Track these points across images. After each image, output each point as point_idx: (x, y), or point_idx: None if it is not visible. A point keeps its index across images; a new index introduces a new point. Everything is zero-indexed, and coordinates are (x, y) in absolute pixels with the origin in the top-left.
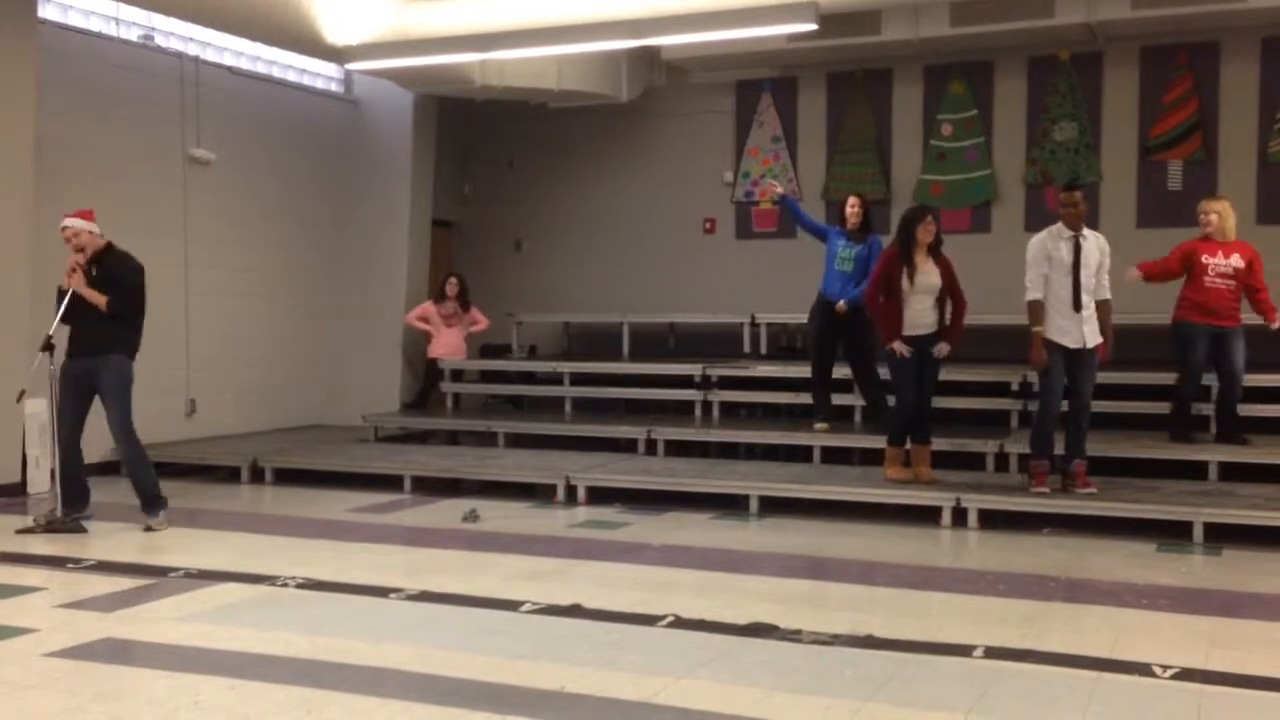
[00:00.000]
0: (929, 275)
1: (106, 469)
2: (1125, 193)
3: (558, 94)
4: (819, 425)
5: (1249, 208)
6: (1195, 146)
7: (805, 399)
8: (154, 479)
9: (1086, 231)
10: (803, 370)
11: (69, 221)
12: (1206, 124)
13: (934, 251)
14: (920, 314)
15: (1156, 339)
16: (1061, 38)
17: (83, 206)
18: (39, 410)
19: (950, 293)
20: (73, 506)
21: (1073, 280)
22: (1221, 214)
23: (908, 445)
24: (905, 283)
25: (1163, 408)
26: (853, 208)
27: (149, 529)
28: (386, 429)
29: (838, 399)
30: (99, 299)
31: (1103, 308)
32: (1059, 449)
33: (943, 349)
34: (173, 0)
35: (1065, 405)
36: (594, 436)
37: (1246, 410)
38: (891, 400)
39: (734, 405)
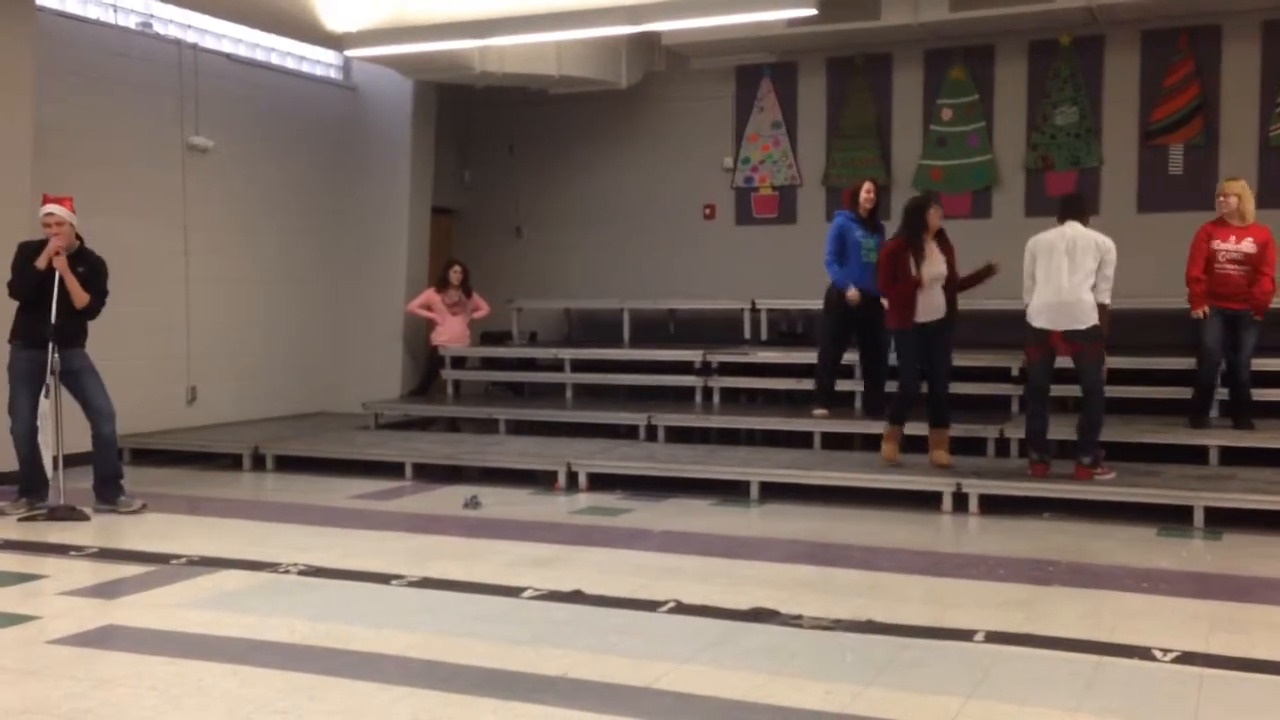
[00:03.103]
0: (937, 264)
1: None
2: (1126, 177)
3: (557, 80)
4: (819, 411)
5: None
6: (1196, 130)
7: (806, 385)
8: None
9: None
10: (804, 356)
11: (55, 210)
12: (1208, 108)
13: (939, 238)
14: (930, 299)
15: (1158, 324)
16: (1062, 21)
17: (83, 194)
18: (40, 401)
19: (950, 274)
20: (35, 494)
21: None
22: (1241, 196)
23: (906, 429)
24: (914, 270)
25: (1163, 392)
26: (869, 194)
27: (144, 507)
28: (388, 416)
29: (840, 384)
30: (81, 296)
31: None
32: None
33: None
34: None
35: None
36: (595, 423)
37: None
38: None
39: (734, 391)
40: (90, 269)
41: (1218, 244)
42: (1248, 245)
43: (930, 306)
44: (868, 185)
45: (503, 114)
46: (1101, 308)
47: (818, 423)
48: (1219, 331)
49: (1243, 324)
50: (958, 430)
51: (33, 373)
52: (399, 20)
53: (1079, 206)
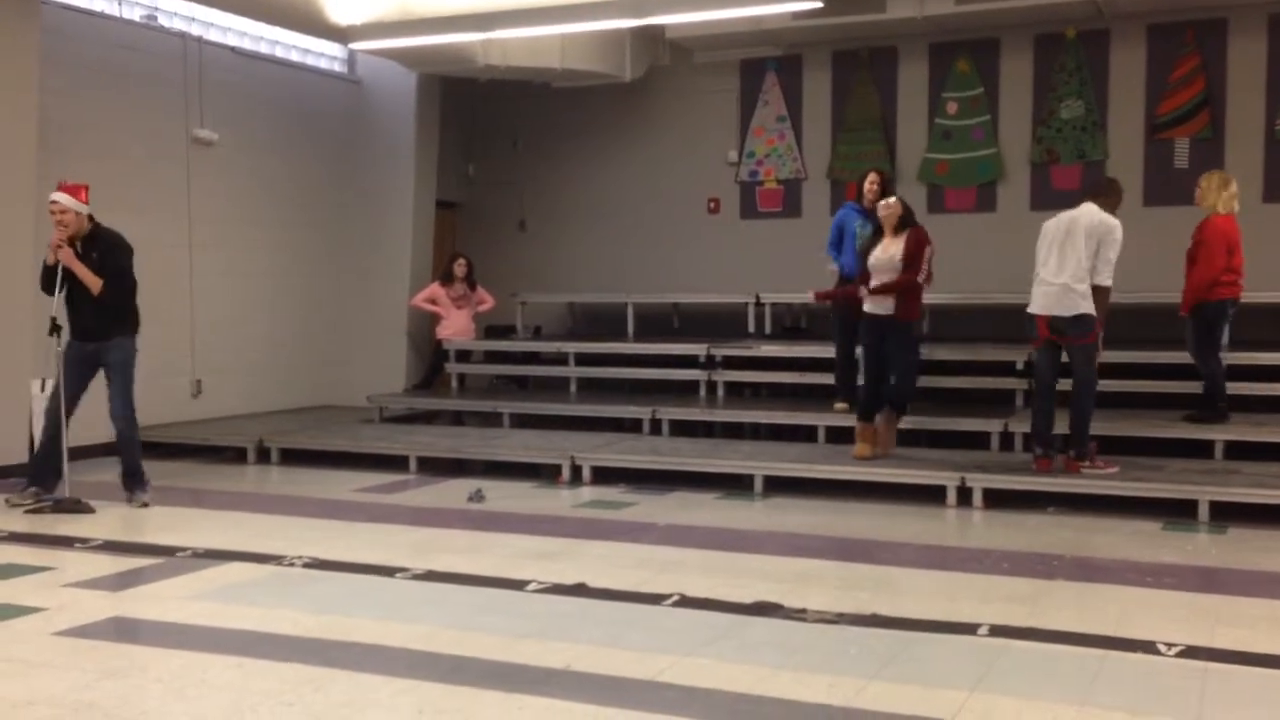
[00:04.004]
0: (891, 256)
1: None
2: (1132, 171)
3: (561, 73)
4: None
5: (1256, 186)
6: (1202, 124)
7: (810, 379)
8: (141, 456)
9: None
10: (808, 350)
11: (59, 198)
12: (1214, 101)
13: (908, 232)
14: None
15: (1164, 319)
16: (1068, 15)
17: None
18: (46, 392)
19: (904, 262)
20: (44, 485)
21: None
22: (1203, 189)
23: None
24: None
25: (1168, 386)
26: (872, 185)
27: (145, 505)
28: (392, 409)
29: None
30: (94, 281)
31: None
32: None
33: (863, 290)
34: None
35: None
36: (599, 417)
37: (1251, 389)
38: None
39: (739, 385)
40: (104, 250)
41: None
42: (1189, 243)
43: (876, 299)
44: (871, 176)
45: (506, 107)
46: (1098, 291)
47: (823, 416)
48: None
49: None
50: (962, 424)
51: (76, 361)
52: (403, 13)
53: (1096, 187)
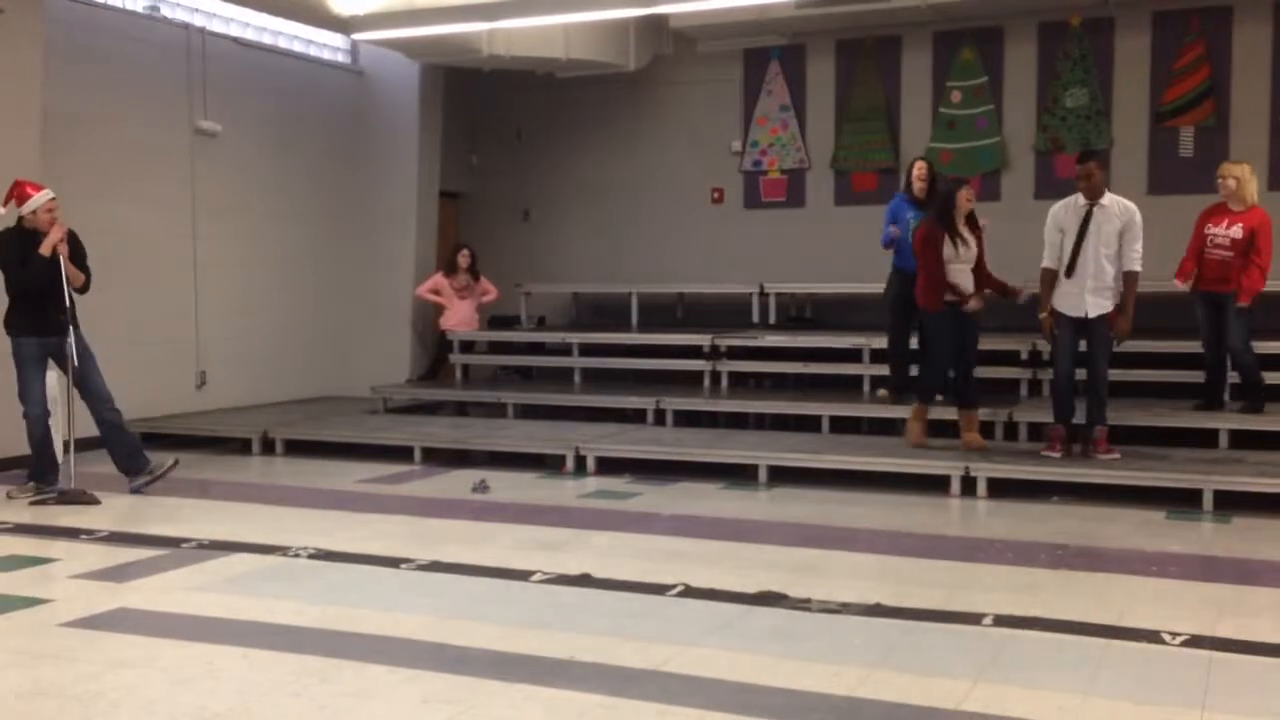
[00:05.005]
0: (971, 245)
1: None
2: (1137, 159)
3: (565, 63)
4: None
5: (1261, 174)
6: (1207, 112)
7: (814, 369)
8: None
9: (1107, 199)
10: (812, 340)
11: (54, 194)
12: (1219, 90)
13: (969, 219)
14: (963, 280)
15: (1169, 308)
16: (1073, 3)
17: (91, 179)
18: (51, 383)
19: (981, 258)
20: (45, 479)
21: (1074, 249)
22: (1240, 179)
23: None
24: (950, 251)
25: (1173, 375)
26: (919, 173)
27: (176, 463)
28: (396, 400)
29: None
30: (79, 277)
31: (1127, 279)
32: (1081, 417)
33: (975, 304)
34: None
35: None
36: (603, 407)
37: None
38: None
39: (743, 375)
40: (74, 247)
41: (1210, 228)
42: (1236, 231)
43: (962, 287)
44: (920, 164)
45: (510, 97)
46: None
47: (827, 406)
48: (1204, 314)
49: (1227, 307)
50: None
51: (44, 358)
52: (406, 3)
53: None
